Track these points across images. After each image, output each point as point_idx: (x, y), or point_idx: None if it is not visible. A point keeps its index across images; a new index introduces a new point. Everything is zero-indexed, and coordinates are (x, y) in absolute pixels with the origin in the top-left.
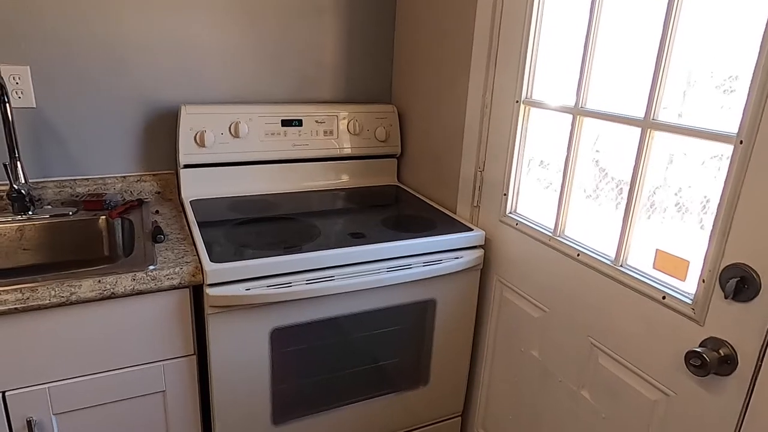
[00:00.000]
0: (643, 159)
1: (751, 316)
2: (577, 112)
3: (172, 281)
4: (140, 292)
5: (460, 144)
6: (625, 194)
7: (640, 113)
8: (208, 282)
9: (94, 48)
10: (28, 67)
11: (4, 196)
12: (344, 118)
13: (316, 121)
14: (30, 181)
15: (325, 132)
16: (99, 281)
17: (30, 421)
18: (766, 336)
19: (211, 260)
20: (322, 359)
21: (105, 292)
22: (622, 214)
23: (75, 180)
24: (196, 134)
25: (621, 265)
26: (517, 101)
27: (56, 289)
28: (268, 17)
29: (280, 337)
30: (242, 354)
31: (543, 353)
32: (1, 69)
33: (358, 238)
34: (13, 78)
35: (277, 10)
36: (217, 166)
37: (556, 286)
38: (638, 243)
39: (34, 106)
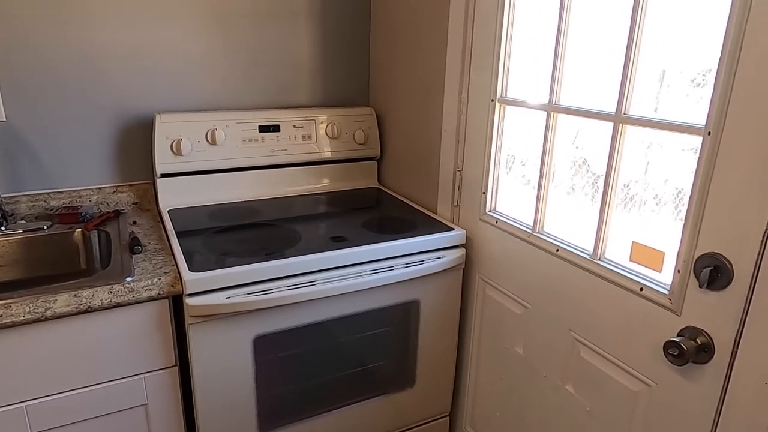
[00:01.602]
0: (616, 153)
1: (725, 304)
2: (551, 108)
3: (150, 292)
4: (118, 305)
5: (439, 144)
6: (600, 188)
7: (612, 108)
8: (188, 292)
9: (65, 58)
10: None
11: None
12: (322, 122)
13: (294, 126)
14: (2, 195)
15: (303, 136)
16: (75, 295)
17: None
18: (740, 323)
19: (189, 269)
20: (307, 365)
21: (81, 306)
22: (598, 211)
23: (49, 193)
24: (172, 143)
25: (599, 259)
26: (492, 100)
27: (30, 305)
28: (241, 23)
29: (263, 345)
30: (225, 363)
31: (527, 349)
32: None
33: (339, 241)
34: None
35: (250, 16)
36: (195, 175)
37: (536, 282)
38: (615, 236)
39: (3, 119)
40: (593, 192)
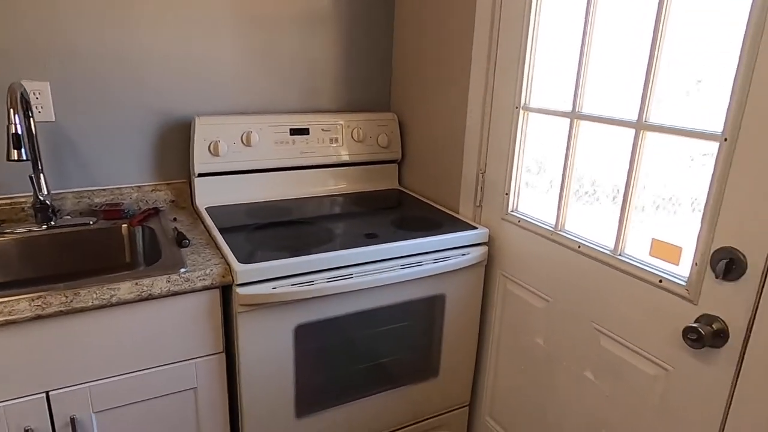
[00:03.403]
0: (637, 158)
1: (739, 293)
2: (574, 116)
3: (204, 282)
4: (175, 293)
5: (461, 148)
6: (621, 191)
7: (633, 116)
8: (238, 282)
9: (110, 63)
10: (48, 82)
11: (26, 207)
12: (348, 126)
13: (322, 130)
14: (52, 192)
15: (330, 140)
16: (136, 284)
17: (73, 419)
18: (753, 310)
19: (239, 262)
20: (341, 355)
21: (143, 294)
22: (620, 210)
23: (92, 191)
24: (210, 144)
25: (619, 254)
26: (516, 107)
27: (97, 292)
28: (273, 31)
29: (303, 334)
30: (269, 350)
31: (547, 340)
32: (24, 85)
33: (372, 238)
34: (34, 93)
35: (282, 24)
36: (230, 174)
37: (558, 277)
38: (635, 234)
39: (53, 119)
40: (614, 194)
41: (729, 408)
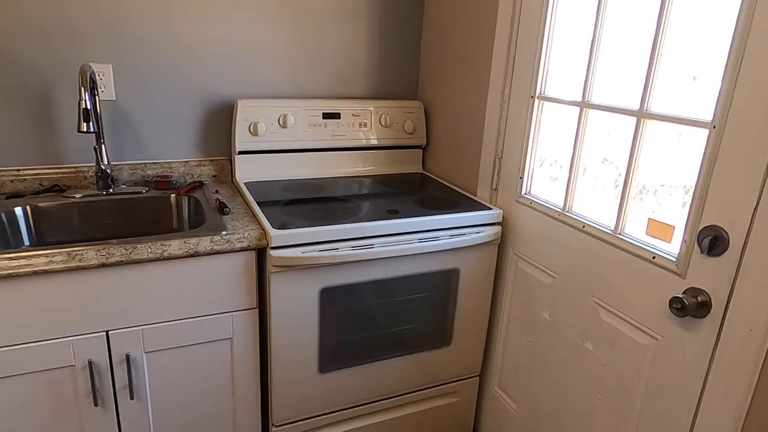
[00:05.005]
0: (638, 144)
1: (722, 268)
2: (584, 105)
3: (242, 244)
4: (217, 252)
5: (481, 135)
6: (623, 175)
7: (635, 106)
8: (272, 245)
9: (164, 48)
10: (111, 65)
11: (88, 176)
12: (377, 113)
13: (353, 115)
14: (112, 163)
15: (360, 124)
16: (185, 242)
17: (128, 356)
18: (732, 282)
19: (274, 228)
20: (362, 318)
21: (190, 251)
22: (620, 193)
23: (145, 163)
24: (250, 125)
25: (619, 234)
26: (531, 96)
27: (152, 247)
28: (310, 21)
29: (328, 296)
30: (297, 309)
31: (552, 314)
32: (93, 67)
33: (393, 213)
34: (99, 74)
35: (318, 14)
36: (267, 153)
37: (564, 254)
38: (634, 215)
39: (114, 98)
40: (616, 179)
41: (708, 373)
